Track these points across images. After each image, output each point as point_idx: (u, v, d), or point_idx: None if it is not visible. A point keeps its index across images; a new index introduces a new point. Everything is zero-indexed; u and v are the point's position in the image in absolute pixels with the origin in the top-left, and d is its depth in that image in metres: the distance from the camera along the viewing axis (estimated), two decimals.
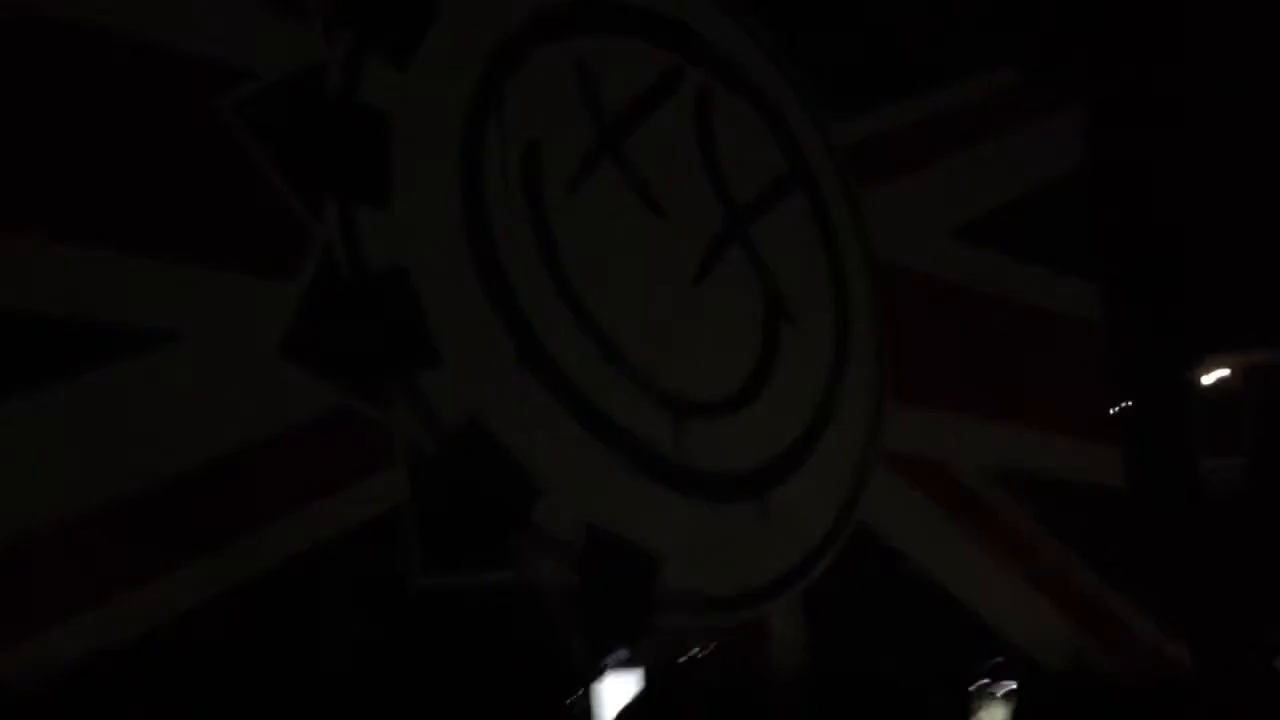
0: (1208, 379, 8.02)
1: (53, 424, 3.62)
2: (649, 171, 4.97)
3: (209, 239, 3.93)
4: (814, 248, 5.54)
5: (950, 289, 6.06)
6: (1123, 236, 6.77)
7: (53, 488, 3.59)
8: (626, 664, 4.45)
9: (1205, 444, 8.08)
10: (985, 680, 5.03)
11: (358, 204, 4.21)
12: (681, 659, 4.51)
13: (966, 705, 4.58)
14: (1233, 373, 8.45)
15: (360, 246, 4.19)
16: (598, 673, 4.39)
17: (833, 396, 5.43)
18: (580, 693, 4.35)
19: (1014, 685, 5.12)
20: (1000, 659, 5.26)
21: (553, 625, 4.40)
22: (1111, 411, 6.76)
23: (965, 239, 6.16)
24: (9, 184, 3.62)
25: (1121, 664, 5.92)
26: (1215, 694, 5.37)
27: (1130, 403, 6.93)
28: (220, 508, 3.83)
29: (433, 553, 4.16)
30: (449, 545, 4.21)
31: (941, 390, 5.83)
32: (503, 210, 4.55)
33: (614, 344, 4.74)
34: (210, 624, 3.74)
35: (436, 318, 4.31)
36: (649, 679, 4.50)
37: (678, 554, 4.72)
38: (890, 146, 5.92)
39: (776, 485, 5.12)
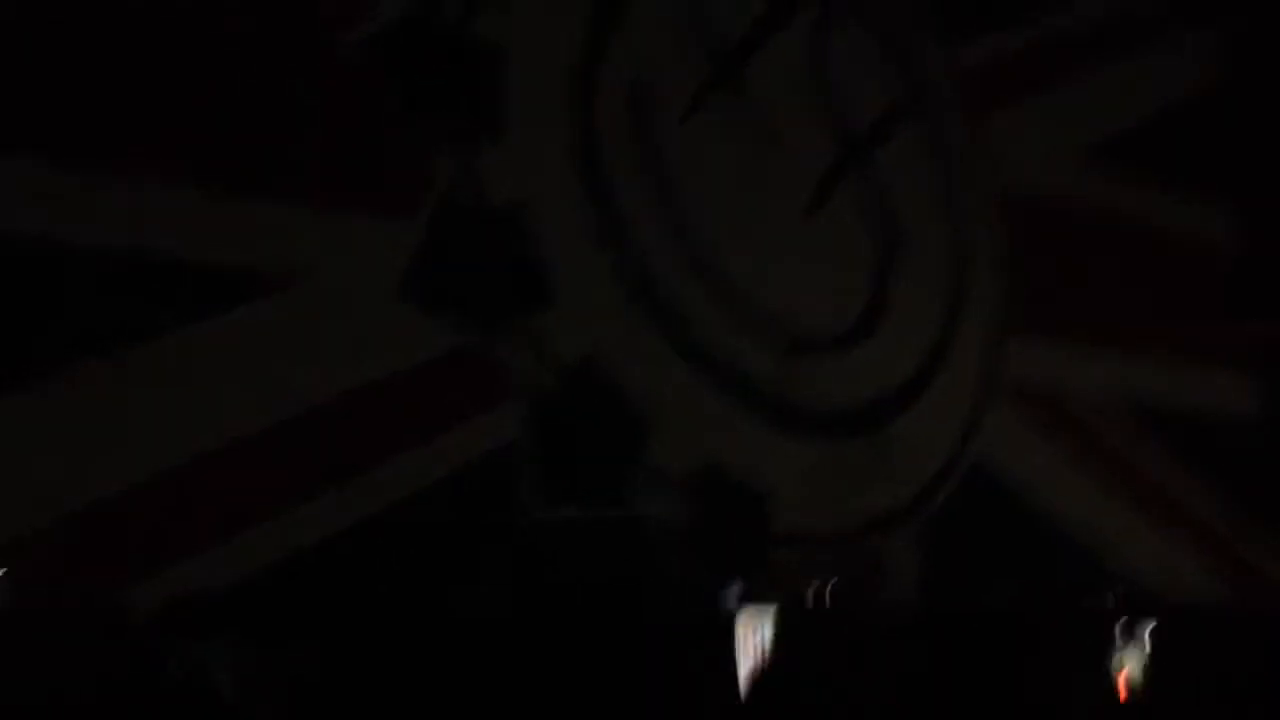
0: None
1: (185, 365, 3.87)
2: (763, 102, 5.01)
3: (331, 180, 4.11)
4: (934, 176, 5.53)
5: (1076, 214, 5.98)
6: (1258, 157, 6.59)
7: (186, 427, 3.85)
8: (741, 599, 4.58)
9: None
10: (1125, 618, 5.05)
11: (475, 140, 4.36)
12: (798, 595, 4.62)
13: (1083, 640, 4.63)
14: None
15: (477, 184, 4.35)
16: (712, 609, 4.53)
17: (951, 330, 5.46)
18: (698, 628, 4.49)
19: (1154, 623, 5.13)
20: (1120, 591, 5.28)
21: (666, 561, 4.55)
22: (1245, 339, 6.64)
23: (1093, 162, 6.07)
24: (141, 129, 3.83)
25: (1254, 600, 5.90)
26: None
27: (1264, 329, 6.79)
28: (347, 443, 4.07)
29: (548, 488, 4.36)
30: (564, 481, 4.40)
31: (1065, 320, 5.81)
32: (615, 144, 4.66)
33: (727, 281, 4.83)
34: (339, 555, 3.98)
35: (552, 256, 4.46)
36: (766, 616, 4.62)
37: (791, 490, 4.85)
38: (1015, 69, 5.82)
39: (891, 421, 5.20)
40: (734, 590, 4.46)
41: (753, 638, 4.30)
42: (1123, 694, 4.25)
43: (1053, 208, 5.91)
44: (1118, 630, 4.89)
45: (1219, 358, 6.40)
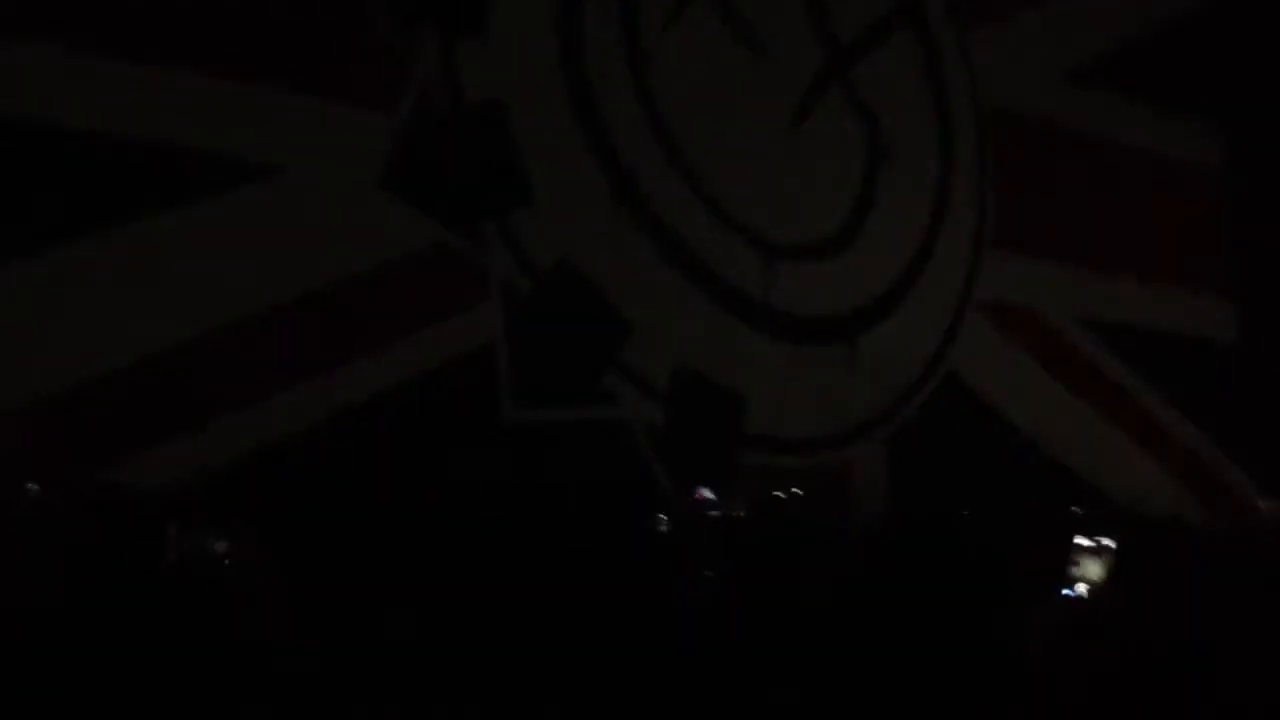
0: None
1: (166, 251, 3.93)
2: (749, 7, 5.02)
3: (311, 71, 4.15)
4: (919, 89, 5.57)
5: (1060, 133, 6.03)
6: (1247, 78, 6.61)
7: (170, 311, 3.93)
8: (712, 500, 4.68)
9: None
10: (1083, 534, 5.16)
11: (456, 35, 4.38)
12: (766, 499, 4.72)
13: (1045, 551, 4.74)
14: None
15: (458, 81, 4.38)
16: (684, 507, 4.63)
17: (930, 243, 5.53)
18: (665, 523, 4.59)
19: (1111, 541, 5.24)
20: (1082, 508, 5.40)
21: (641, 460, 4.65)
22: (1223, 263, 6.70)
23: (1079, 80, 6.09)
24: (126, 15, 3.85)
25: (1218, 518, 6.04)
26: None
27: (1244, 254, 6.84)
28: (322, 337, 4.15)
29: (524, 387, 4.45)
30: (539, 380, 4.48)
31: (1045, 239, 5.88)
32: (599, 45, 4.68)
33: (708, 186, 4.89)
34: (319, 442, 4.09)
35: (531, 155, 4.48)
36: (734, 516, 4.73)
37: (765, 395, 4.94)
38: None
39: (867, 331, 5.29)
40: (702, 490, 4.57)
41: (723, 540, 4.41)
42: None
43: (1038, 125, 5.95)
44: (1083, 541, 5.01)
45: (1202, 282, 6.49)
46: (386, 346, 4.26)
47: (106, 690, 2.66)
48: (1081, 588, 4.55)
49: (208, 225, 3.98)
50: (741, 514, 4.52)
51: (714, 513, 4.56)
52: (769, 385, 4.97)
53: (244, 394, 4.02)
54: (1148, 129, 6.35)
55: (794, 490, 4.84)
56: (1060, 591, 4.46)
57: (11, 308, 3.70)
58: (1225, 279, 6.61)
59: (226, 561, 3.31)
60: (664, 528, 4.25)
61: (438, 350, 4.34)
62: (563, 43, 4.62)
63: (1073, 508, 5.01)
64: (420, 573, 3.44)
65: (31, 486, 3.39)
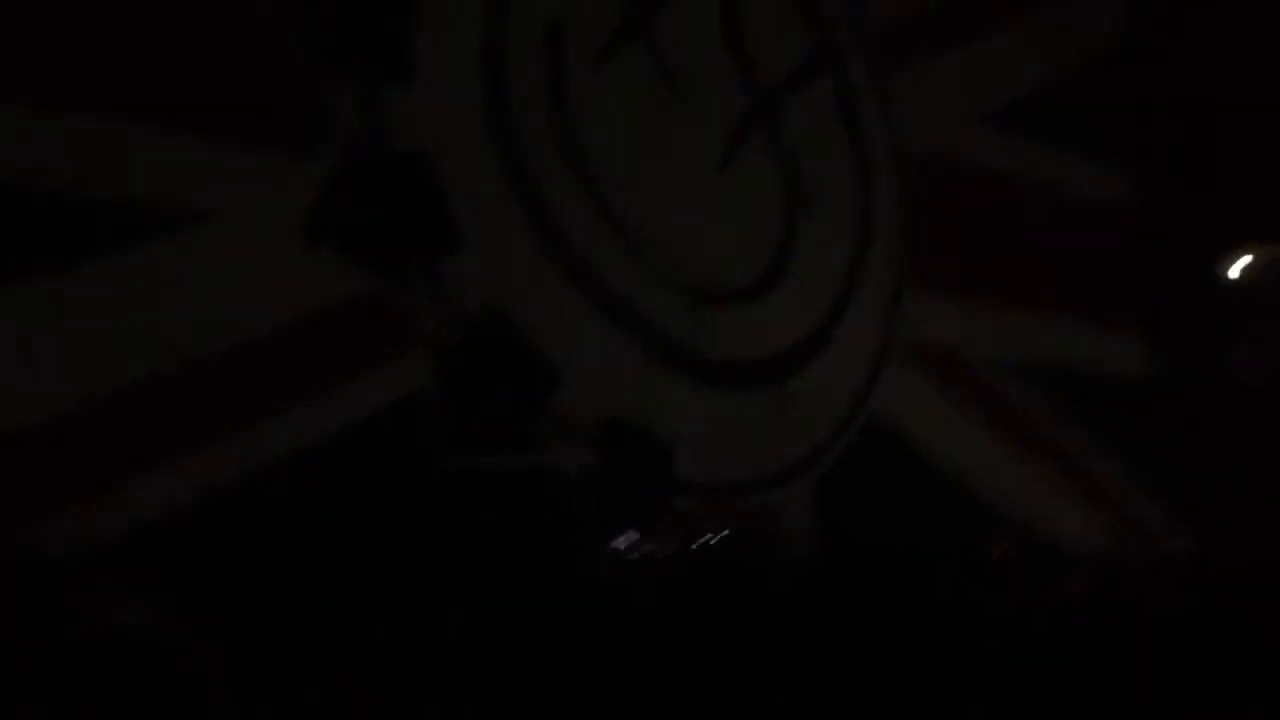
0: (1237, 267, 8.13)
1: (77, 304, 3.86)
2: (674, 54, 5.11)
3: (233, 117, 4.12)
4: (839, 132, 5.70)
5: (976, 174, 6.19)
6: (1153, 119, 6.84)
7: (80, 366, 3.86)
8: (640, 546, 4.72)
9: (1234, 334, 8.20)
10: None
11: (380, 83, 4.40)
12: (694, 544, 4.77)
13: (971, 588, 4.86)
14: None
15: (382, 127, 4.39)
16: (612, 553, 4.66)
17: (852, 286, 5.65)
18: (592, 568, 4.63)
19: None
20: (1010, 542, 5.52)
21: (570, 508, 4.68)
22: (1137, 301, 6.89)
23: (993, 123, 6.27)
24: (38, 59, 3.80)
25: (1129, 549, 6.20)
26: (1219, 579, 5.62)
27: (1158, 291, 7.04)
28: (246, 389, 4.11)
29: (453, 437, 4.45)
30: (469, 430, 4.49)
31: (961, 279, 6.03)
32: (525, 93, 4.73)
33: (634, 231, 4.96)
34: (238, 504, 4.03)
35: (457, 202, 4.49)
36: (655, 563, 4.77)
37: (694, 440, 5.00)
38: (920, 29, 5.99)
39: (793, 374, 5.38)
40: (630, 536, 4.61)
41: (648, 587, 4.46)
42: None
43: (952, 166, 6.11)
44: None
45: (1118, 320, 6.68)
46: (312, 398, 4.23)
47: None
48: None
49: (125, 277, 3.93)
50: (671, 554, 4.58)
51: (642, 554, 4.61)
52: (698, 430, 5.03)
53: (161, 453, 3.93)
54: (1061, 169, 6.53)
55: (724, 533, 4.91)
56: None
57: None
58: (1140, 316, 6.80)
59: (144, 630, 3.26)
60: (595, 570, 4.30)
61: (365, 401, 4.32)
62: (487, 87, 4.66)
63: (998, 543, 5.14)
64: (362, 627, 3.44)
65: None
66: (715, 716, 3.87)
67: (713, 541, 4.77)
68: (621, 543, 4.70)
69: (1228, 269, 7.11)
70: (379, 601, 3.83)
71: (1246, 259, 6.91)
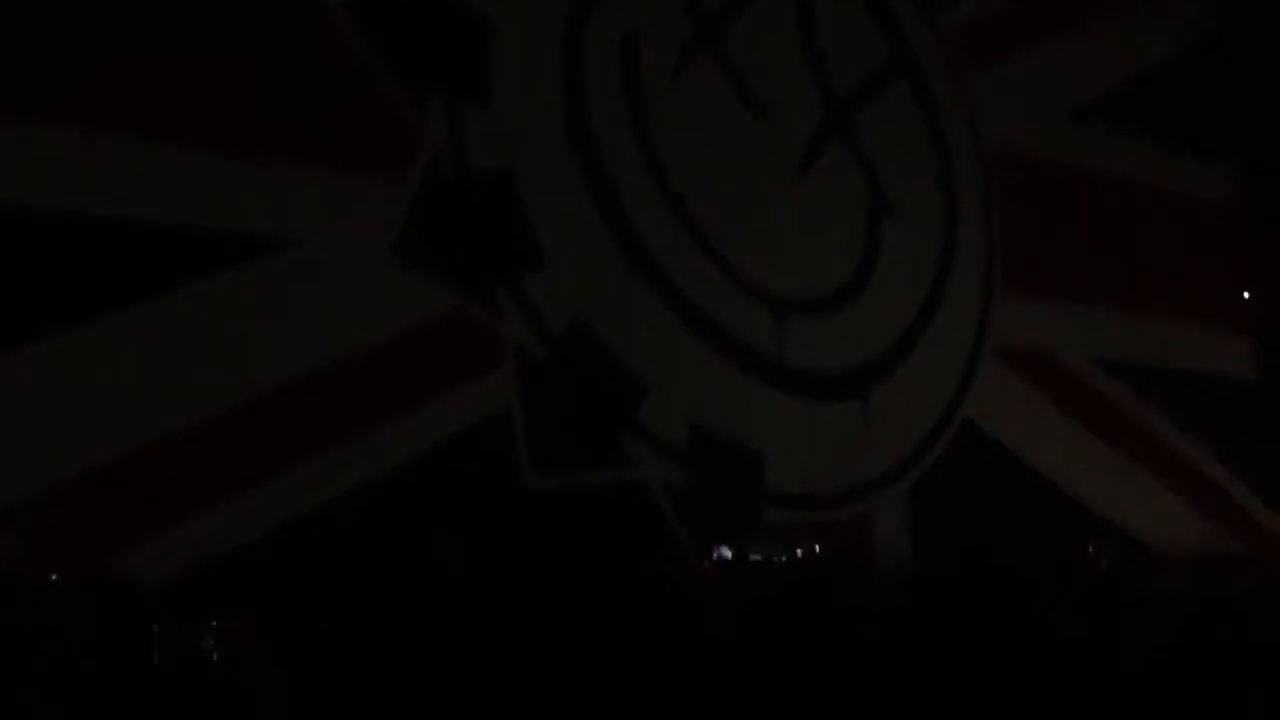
0: None
1: (180, 330, 4.04)
2: (748, 65, 5.21)
3: (321, 143, 4.29)
4: (920, 137, 5.75)
5: (1066, 173, 6.20)
6: (1256, 113, 6.75)
7: (181, 393, 4.01)
8: (733, 559, 4.77)
9: None
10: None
11: (463, 104, 4.55)
12: (788, 557, 4.81)
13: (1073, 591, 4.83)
14: None
15: (466, 148, 4.54)
16: (705, 568, 4.72)
17: (939, 291, 5.69)
18: (685, 585, 4.67)
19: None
20: (1111, 544, 5.49)
21: (661, 522, 4.75)
22: (1241, 298, 6.81)
23: (1083, 119, 6.27)
24: (127, 91, 3.97)
25: (1246, 552, 6.11)
26: None
27: (1262, 288, 6.95)
28: (343, 408, 4.25)
29: (541, 453, 4.56)
30: (557, 445, 4.60)
31: (1056, 280, 6.03)
32: (603, 109, 4.86)
33: (715, 243, 5.05)
34: (338, 519, 4.17)
35: (540, 219, 4.65)
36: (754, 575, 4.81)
37: (782, 451, 5.08)
38: (1000, 28, 6.03)
39: (880, 382, 5.43)
40: (722, 550, 4.67)
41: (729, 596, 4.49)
42: None
43: (1040, 167, 6.12)
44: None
45: (1217, 318, 6.61)
46: (402, 417, 4.36)
47: None
48: None
49: (220, 303, 4.09)
50: (769, 563, 4.62)
51: (739, 566, 4.65)
52: (787, 441, 5.11)
53: (255, 475, 4.06)
54: (1153, 165, 6.51)
55: (816, 544, 4.95)
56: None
57: (20, 394, 3.77)
58: (1240, 314, 6.73)
59: (221, 656, 3.37)
60: (688, 587, 4.35)
61: (454, 418, 4.45)
62: (567, 106, 4.80)
63: (1090, 547, 5.12)
64: (439, 653, 3.49)
65: (49, 577, 3.48)
66: None
67: (808, 556, 4.80)
68: (715, 558, 4.75)
69: None
70: (467, 624, 3.89)
71: None
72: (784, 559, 4.87)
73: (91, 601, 3.40)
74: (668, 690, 3.66)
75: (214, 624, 3.46)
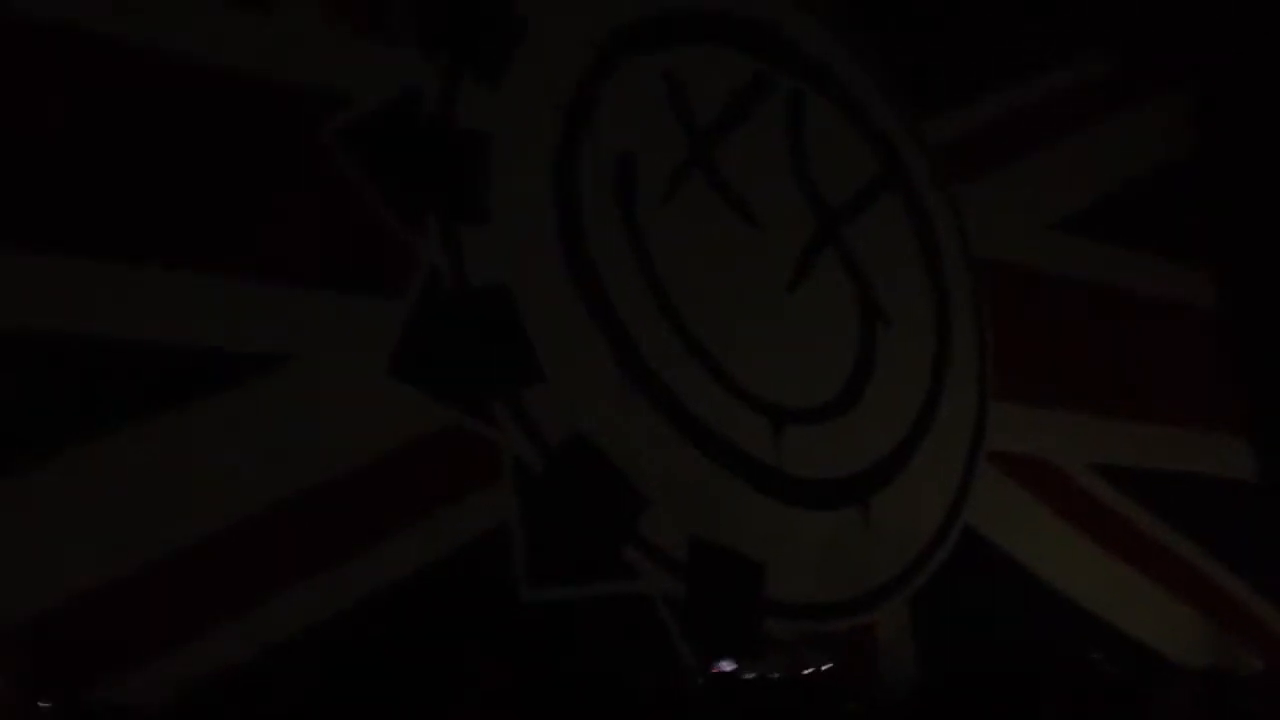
0: None
1: (174, 450, 4.04)
2: (741, 179, 5.35)
3: (317, 262, 4.37)
4: (910, 248, 5.88)
5: (1055, 282, 6.33)
6: (1236, 220, 6.91)
7: (174, 513, 4.01)
8: (735, 672, 4.74)
9: None
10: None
11: (459, 223, 4.64)
12: (797, 673, 4.78)
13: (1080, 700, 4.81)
14: None
15: (462, 265, 4.62)
16: (707, 681, 4.69)
17: (934, 399, 5.76)
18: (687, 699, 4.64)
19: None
20: (1115, 653, 5.46)
21: (661, 635, 4.72)
22: (1234, 402, 6.87)
23: (1069, 229, 6.42)
24: (122, 215, 4.05)
25: (1257, 658, 6.09)
26: None
27: (1253, 389, 7.02)
28: (338, 526, 4.26)
29: (540, 565, 4.56)
30: (556, 558, 4.60)
31: (1049, 387, 6.11)
32: (598, 224, 4.97)
33: (712, 354, 5.12)
34: (333, 637, 4.14)
35: (538, 333, 4.71)
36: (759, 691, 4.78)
37: (783, 562, 5.08)
38: (985, 141, 6.22)
39: (879, 490, 5.45)
40: (724, 663, 4.64)
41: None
42: None
43: (1029, 276, 6.25)
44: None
45: (1212, 422, 6.67)
46: (397, 534, 4.36)
47: None
48: None
49: (214, 422, 4.10)
50: (772, 678, 4.59)
51: (741, 679, 4.62)
52: (787, 551, 5.11)
53: (248, 597, 4.05)
54: (1140, 272, 6.65)
55: (819, 654, 4.92)
56: None
57: (6, 515, 3.75)
58: (1236, 417, 6.79)
59: None
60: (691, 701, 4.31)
61: (450, 534, 4.46)
62: (561, 220, 4.89)
63: (1105, 655, 5.10)
64: None
65: (43, 705, 3.45)
66: None
67: (812, 673, 4.77)
68: (718, 671, 4.72)
69: None
70: None
71: None
72: (786, 673, 4.85)
73: None
74: None
75: None
